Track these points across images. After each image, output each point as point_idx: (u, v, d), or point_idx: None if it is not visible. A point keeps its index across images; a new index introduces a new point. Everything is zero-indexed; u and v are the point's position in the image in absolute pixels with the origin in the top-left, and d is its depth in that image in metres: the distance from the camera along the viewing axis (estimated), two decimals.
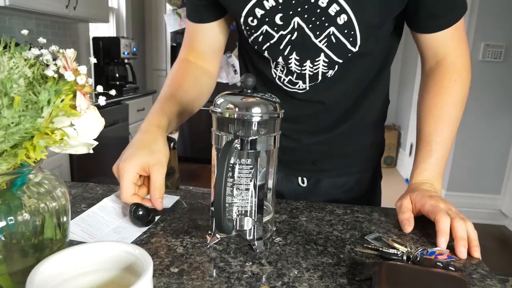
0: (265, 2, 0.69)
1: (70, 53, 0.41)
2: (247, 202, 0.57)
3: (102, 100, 0.45)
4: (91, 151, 0.46)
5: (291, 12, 0.69)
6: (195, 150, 4.17)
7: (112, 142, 2.56)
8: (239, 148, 0.55)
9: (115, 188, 0.82)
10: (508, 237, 2.85)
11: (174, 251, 0.59)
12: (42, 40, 0.45)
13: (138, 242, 0.61)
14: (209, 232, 0.62)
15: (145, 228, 0.65)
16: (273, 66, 0.81)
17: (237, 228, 0.58)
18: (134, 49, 3.32)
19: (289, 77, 0.79)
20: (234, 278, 0.52)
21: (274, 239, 0.63)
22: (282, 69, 0.79)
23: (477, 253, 0.60)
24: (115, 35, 3.72)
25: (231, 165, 0.56)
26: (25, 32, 0.45)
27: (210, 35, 0.85)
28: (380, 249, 0.60)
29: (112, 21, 3.70)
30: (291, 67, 0.77)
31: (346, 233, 0.67)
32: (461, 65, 0.77)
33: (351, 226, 0.70)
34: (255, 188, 0.57)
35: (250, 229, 0.58)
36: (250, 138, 0.55)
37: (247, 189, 0.57)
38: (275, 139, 0.58)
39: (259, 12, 0.70)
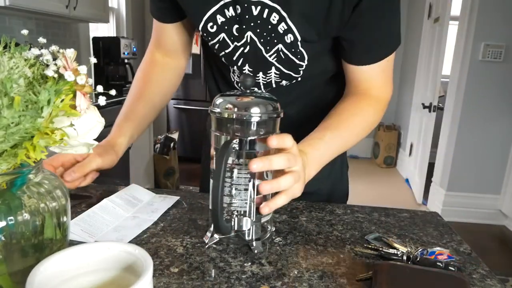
0: (225, 11, 0.70)
1: (70, 53, 0.41)
2: (246, 203, 0.57)
3: (102, 100, 0.45)
4: (91, 151, 0.46)
5: (244, 26, 0.70)
6: (195, 150, 4.17)
7: None
8: (237, 148, 0.54)
9: (115, 188, 0.82)
10: (508, 237, 2.85)
11: (174, 251, 0.59)
12: (42, 40, 0.45)
13: (138, 242, 0.61)
14: (208, 232, 0.62)
15: (145, 227, 0.65)
16: (231, 71, 0.82)
17: (236, 229, 0.58)
18: (134, 49, 3.32)
19: None
20: (234, 278, 0.52)
21: (274, 239, 0.63)
22: (238, 76, 0.81)
23: (264, 210, 0.56)
24: (115, 35, 3.72)
25: (229, 165, 0.56)
26: (25, 32, 0.45)
27: (174, 34, 0.85)
28: (380, 249, 0.60)
29: (112, 21, 3.70)
30: None
31: (346, 233, 0.67)
32: (381, 97, 0.77)
33: (351, 226, 0.70)
34: (254, 188, 0.57)
35: (249, 229, 0.58)
36: (249, 138, 0.54)
37: (246, 190, 0.57)
38: None
39: (220, 19, 0.71)
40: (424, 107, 3.27)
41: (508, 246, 2.73)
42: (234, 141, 0.54)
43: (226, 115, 0.55)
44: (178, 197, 0.79)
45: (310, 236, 0.65)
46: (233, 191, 0.57)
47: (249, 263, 0.56)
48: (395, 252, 0.59)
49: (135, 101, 0.86)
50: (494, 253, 2.61)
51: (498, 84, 2.85)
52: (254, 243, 0.59)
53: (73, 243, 0.56)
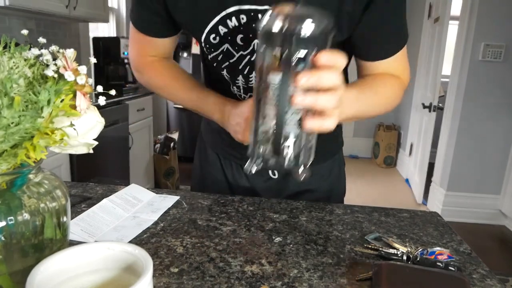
0: (228, 21, 0.69)
1: (70, 53, 0.41)
2: (296, 125, 0.51)
3: (102, 100, 0.45)
4: (91, 151, 0.46)
5: (251, 35, 0.69)
6: (195, 150, 4.16)
7: (112, 142, 2.56)
8: (293, 64, 0.47)
9: (115, 188, 0.82)
10: (508, 237, 2.85)
11: (174, 251, 0.59)
12: (42, 40, 0.45)
13: (138, 242, 0.61)
14: (250, 159, 0.54)
15: (145, 227, 0.65)
16: (231, 85, 0.80)
17: (283, 153, 0.52)
18: None
19: (249, 93, 0.79)
20: (234, 278, 0.52)
21: (274, 239, 0.63)
22: (238, 89, 0.79)
23: (309, 124, 0.50)
24: (115, 35, 3.72)
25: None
26: (25, 32, 0.45)
27: (161, 47, 0.82)
28: (380, 249, 0.60)
29: (112, 21, 3.70)
30: (252, 83, 0.77)
31: (346, 233, 0.67)
32: (402, 78, 0.77)
33: (351, 226, 0.70)
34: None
35: (297, 153, 0.52)
36: (300, 54, 0.47)
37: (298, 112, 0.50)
38: None
39: (222, 30, 0.70)
40: (424, 107, 3.27)
41: (508, 246, 2.73)
42: (294, 57, 0.47)
43: (275, 28, 0.47)
44: (178, 197, 0.79)
45: (310, 236, 0.65)
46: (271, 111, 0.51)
47: (249, 263, 0.56)
48: (395, 252, 0.59)
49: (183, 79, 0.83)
50: (494, 253, 2.61)
51: (498, 84, 2.85)
52: (300, 168, 0.52)
53: (73, 243, 0.56)
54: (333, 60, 0.48)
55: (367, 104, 0.69)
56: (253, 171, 0.53)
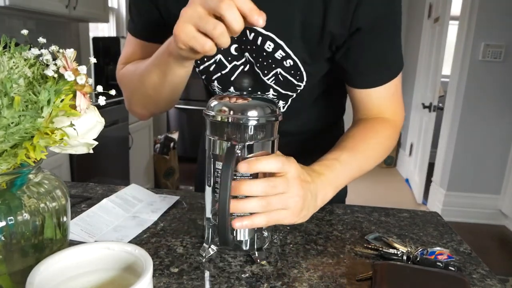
0: None
1: (70, 53, 0.41)
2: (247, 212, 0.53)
3: (102, 100, 0.45)
4: (91, 151, 0.46)
5: (243, 47, 0.70)
6: (195, 150, 4.12)
7: (112, 142, 2.56)
8: (239, 154, 0.51)
9: (115, 188, 0.82)
10: (508, 237, 2.85)
11: (174, 251, 0.59)
12: (42, 40, 0.45)
13: (138, 242, 0.61)
14: (205, 244, 0.58)
15: (145, 227, 0.65)
16: None
17: (237, 239, 0.56)
18: None
19: None
20: (234, 278, 0.52)
21: (274, 239, 0.63)
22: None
23: (235, 225, 0.51)
24: (115, 35, 3.72)
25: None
26: (25, 32, 0.45)
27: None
28: (380, 249, 0.60)
29: (112, 21, 3.70)
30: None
31: (346, 233, 0.67)
32: (395, 120, 0.75)
33: (351, 226, 0.70)
34: None
35: (248, 239, 0.57)
36: (248, 143, 0.52)
37: (246, 197, 0.53)
38: (273, 144, 0.55)
39: None
40: (424, 107, 3.27)
41: (508, 246, 2.73)
42: (237, 146, 0.50)
43: (220, 119, 0.52)
44: (178, 197, 0.79)
45: (310, 236, 0.65)
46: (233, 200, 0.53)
47: (249, 263, 0.56)
48: (395, 252, 0.59)
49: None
50: (494, 253, 2.62)
51: (498, 84, 2.85)
52: (256, 253, 0.57)
53: (73, 243, 0.56)
54: (260, 167, 0.50)
55: (351, 171, 0.66)
56: (207, 255, 0.57)
